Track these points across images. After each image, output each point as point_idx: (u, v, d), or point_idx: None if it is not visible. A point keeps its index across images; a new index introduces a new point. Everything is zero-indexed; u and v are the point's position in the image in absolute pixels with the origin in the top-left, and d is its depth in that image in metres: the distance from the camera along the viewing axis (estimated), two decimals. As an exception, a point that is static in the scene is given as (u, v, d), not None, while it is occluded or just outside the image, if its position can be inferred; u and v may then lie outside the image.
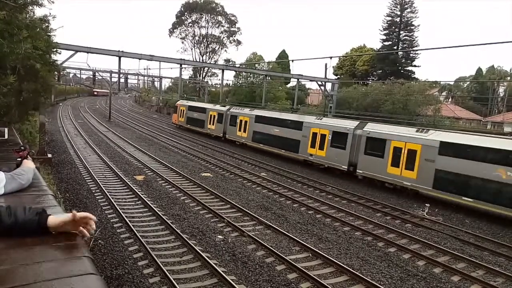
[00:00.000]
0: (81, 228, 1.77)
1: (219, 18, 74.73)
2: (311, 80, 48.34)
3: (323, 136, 21.23)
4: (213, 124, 33.19)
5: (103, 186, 14.19)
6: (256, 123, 26.86)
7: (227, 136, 30.57)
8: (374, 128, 18.87)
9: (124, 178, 15.70)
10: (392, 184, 17.56)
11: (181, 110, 40.26)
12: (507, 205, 13.46)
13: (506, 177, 13.43)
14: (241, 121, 28.46)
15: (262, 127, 26.29)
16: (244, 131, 27.67)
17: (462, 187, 14.76)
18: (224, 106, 33.96)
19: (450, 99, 61.64)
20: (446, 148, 15.39)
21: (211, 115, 33.38)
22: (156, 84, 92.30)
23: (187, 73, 75.19)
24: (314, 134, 21.77)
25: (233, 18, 75.04)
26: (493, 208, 14.08)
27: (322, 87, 45.93)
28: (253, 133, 27.10)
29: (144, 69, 77.43)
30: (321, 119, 23.13)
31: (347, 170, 19.70)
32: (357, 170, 19.05)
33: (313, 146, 21.85)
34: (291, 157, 23.75)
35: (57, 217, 1.75)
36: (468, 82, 67.53)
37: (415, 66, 62.16)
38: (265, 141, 25.94)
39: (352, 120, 22.04)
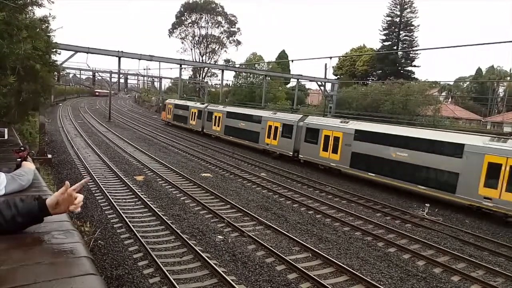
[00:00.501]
0: (71, 207, 1.76)
1: (219, 18, 74.80)
2: (311, 80, 48.40)
3: (276, 128, 24.95)
4: (194, 120, 37.00)
5: (103, 187, 14.20)
6: (227, 118, 30.83)
7: (205, 130, 34.43)
8: (312, 121, 22.78)
9: (124, 179, 15.70)
10: (323, 166, 21.16)
11: (168, 108, 43.64)
12: (397, 178, 17.09)
13: (396, 156, 17.16)
14: (215, 116, 32.50)
15: (232, 121, 30.19)
16: (218, 125, 31.60)
17: (368, 165, 18.39)
18: (203, 103, 37.76)
19: (450, 99, 61.66)
20: (359, 135, 19.15)
21: (192, 112, 36.89)
22: (156, 84, 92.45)
23: (187, 73, 75.31)
24: (270, 127, 25.49)
25: (233, 18, 75.11)
26: (387, 180, 17.64)
27: (322, 87, 45.96)
28: (225, 127, 31.07)
29: (144, 69, 77.63)
30: (275, 114, 26.91)
31: (292, 156, 23.40)
32: (299, 155, 22.84)
33: (269, 137, 25.54)
34: (253, 147, 27.33)
35: (51, 197, 1.75)
36: (468, 82, 67.55)
37: (415, 66, 62.25)
38: (234, 134, 29.84)
39: (298, 115, 26.24)
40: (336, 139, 20.11)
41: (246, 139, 27.83)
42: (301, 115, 24.72)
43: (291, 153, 23.33)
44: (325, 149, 20.79)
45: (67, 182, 1.74)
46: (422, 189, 16.10)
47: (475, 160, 14.31)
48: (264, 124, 25.96)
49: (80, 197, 1.78)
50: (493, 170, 13.97)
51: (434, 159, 15.73)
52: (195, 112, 36.77)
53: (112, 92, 57.49)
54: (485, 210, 14.35)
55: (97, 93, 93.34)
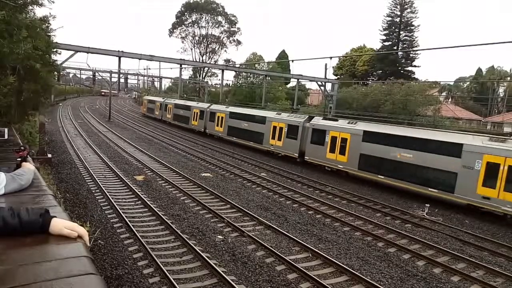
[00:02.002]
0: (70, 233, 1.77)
1: (219, 18, 74.83)
2: (311, 80, 48.45)
3: (281, 129, 24.71)
4: (196, 120, 39.22)
5: (103, 186, 14.19)
6: (230, 118, 31.16)
7: (207, 131, 35.81)
8: (318, 121, 22.53)
9: (124, 178, 15.69)
10: (330, 168, 21.22)
11: (144, 103, 57.61)
12: (404, 179, 16.96)
13: (400, 157, 17.15)
14: (218, 117, 33.54)
15: (235, 122, 30.42)
16: (221, 126, 32.75)
17: (378, 167, 18.26)
18: (205, 103, 40.56)
19: (450, 99, 61.65)
20: (368, 136, 18.98)
21: (194, 112, 39.37)
22: (156, 84, 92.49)
23: (187, 73, 75.31)
24: (274, 127, 25.30)
25: (233, 18, 75.14)
26: (395, 182, 17.48)
27: (322, 87, 45.97)
28: (228, 128, 31.59)
29: (144, 69, 77.58)
30: (280, 114, 26.78)
31: (298, 157, 23.18)
32: (305, 157, 22.62)
33: (273, 138, 25.35)
34: (258, 148, 27.21)
35: (59, 222, 1.75)
36: (468, 82, 67.54)
37: (415, 66, 62.32)
38: (237, 135, 30.00)
39: (304, 115, 25.62)
40: (344, 140, 19.92)
41: (249, 140, 27.62)
42: (307, 116, 24.22)
43: (297, 155, 23.07)
44: (332, 150, 20.60)
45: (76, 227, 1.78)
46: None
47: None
48: (268, 125, 25.71)
49: (84, 233, 1.79)
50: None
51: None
52: (197, 113, 37.15)
53: (114, 92, 57.63)
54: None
55: (103, 93, 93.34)
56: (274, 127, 25.07)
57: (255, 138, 27.02)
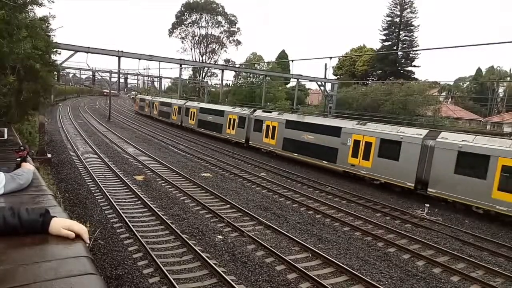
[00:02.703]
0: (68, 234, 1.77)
1: (219, 18, 74.84)
2: (310, 80, 48.43)
3: (234, 120, 29.31)
4: (232, 129, 39.38)
5: (103, 186, 14.19)
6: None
7: (251, 142, 35.53)
8: (258, 114, 27.42)
9: (123, 178, 15.69)
10: (266, 150, 25.80)
11: (136, 101, 63.17)
12: (310, 156, 21.85)
13: (308, 139, 22.08)
14: (268, 126, 29.77)
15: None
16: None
17: (294, 147, 23.12)
18: (151, 97, 47.72)
19: (449, 99, 61.69)
20: (288, 124, 24.03)
21: (146, 103, 48.58)
22: (156, 84, 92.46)
23: (186, 73, 75.28)
24: (230, 119, 29.86)
25: (233, 18, 75.16)
26: (303, 158, 22.43)
27: (322, 87, 45.99)
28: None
29: (144, 69, 77.66)
30: (234, 108, 31.04)
31: (245, 143, 27.85)
32: (249, 142, 27.36)
33: (229, 127, 29.97)
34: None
35: (59, 222, 1.75)
36: (467, 82, 67.59)
37: (414, 66, 62.28)
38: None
39: (249, 109, 29.93)
40: (274, 127, 25.14)
41: (213, 130, 31.18)
42: (252, 109, 29.21)
43: (244, 141, 28.10)
44: (266, 136, 25.76)
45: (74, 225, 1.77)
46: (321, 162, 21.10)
47: (348, 138, 19.59)
48: (226, 117, 30.55)
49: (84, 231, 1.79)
50: (229, 121, 29.60)
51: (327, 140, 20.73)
52: (176, 108, 40.63)
53: (115, 92, 57.86)
54: (228, 139, 30.11)
55: (105, 93, 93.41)
56: (230, 119, 30.00)
57: (217, 128, 31.77)
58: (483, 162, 14.25)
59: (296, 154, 23.22)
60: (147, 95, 64.23)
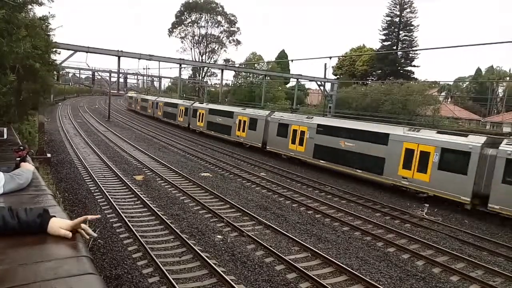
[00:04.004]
0: (78, 230, 1.79)
1: (219, 18, 74.88)
2: (310, 80, 48.44)
3: (250, 122, 27.53)
4: (133, 104, 57.37)
5: (102, 186, 14.18)
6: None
7: (135, 109, 47.66)
8: (281, 116, 25.36)
9: (123, 178, 15.69)
10: (287, 155, 23.98)
11: (127, 99, 70.59)
12: (348, 165, 19.54)
13: (345, 146, 19.73)
14: (294, 130, 27.56)
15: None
16: (302, 144, 28.18)
17: (328, 155, 20.87)
18: (136, 94, 55.56)
19: (449, 99, 61.72)
20: (321, 128, 21.86)
21: (133, 100, 56.52)
22: (156, 84, 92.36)
23: (186, 73, 75.31)
24: (244, 121, 28.17)
25: (232, 18, 75.19)
26: (339, 167, 20.17)
27: (322, 87, 46.00)
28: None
29: (144, 68, 77.59)
30: (245, 109, 29.75)
31: (261, 147, 26.06)
32: (267, 147, 25.58)
33: (243, 130, 28.19)
34: (226, 139, 30.30)
35: (58, 222, 1.76)
36: (467, 82, 67.62)
37: (414, 66, 62.34)
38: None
39: (266, 111, 29.73)
40: (302, 132, 22.85)
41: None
42: (269, 111, 28.24)
43: (260, 145, 26.36)
44: (293, 141, 23.56)
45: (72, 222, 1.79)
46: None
47: (397, 146, 17.28)
48: (235, 118, 29.11)
49: (88, 230, 1.81)
50: (239, 123, 28.08)
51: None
52: (150, 103, 48.70)
53: (114, 91, 58.11)
54: (239, 142, 28.05)
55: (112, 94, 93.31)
56: (244, 121, 28.51)
57: (230, 131, 29.83)
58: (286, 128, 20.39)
59: (330, 163, 20.32)
60: (147, 94, 64.47)
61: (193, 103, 39.63)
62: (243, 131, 28.11)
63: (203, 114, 34.64)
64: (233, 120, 29.15)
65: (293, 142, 23.02)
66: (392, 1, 61.14)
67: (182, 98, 47.65)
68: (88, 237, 1.83)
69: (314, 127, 21.66)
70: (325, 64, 60.79)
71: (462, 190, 14.66)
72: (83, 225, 1.81)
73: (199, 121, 35.36)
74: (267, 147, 25.27)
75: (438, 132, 16.80)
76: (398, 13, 61.18)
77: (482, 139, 14.99)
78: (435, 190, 15.63)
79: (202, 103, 39.14)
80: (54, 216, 1.77)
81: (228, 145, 29.00)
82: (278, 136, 24.28)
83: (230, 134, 29.62)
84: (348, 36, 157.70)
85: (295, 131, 23.03)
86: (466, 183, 14.56)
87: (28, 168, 2.86)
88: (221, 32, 75.91)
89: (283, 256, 9.09)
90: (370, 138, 18.55)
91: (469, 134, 15.85)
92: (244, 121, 28.00)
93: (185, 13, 74.83)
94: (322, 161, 21.17)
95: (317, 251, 9.70)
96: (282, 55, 71.54)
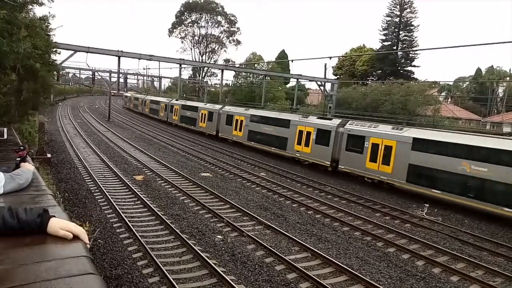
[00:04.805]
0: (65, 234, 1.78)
1: (219, 18, 74.89)
2: (310, 80, 48.46)
3: (204, 115, 34.02)
4: (127, 102, 62.27)
5: (103, 186, 14.18)
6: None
7: (129, 107, 51.41)
8: (226, 109, 31.33)
9: (123, 178, 15.69)
10: (231, 140, 29.51)
11: (123, 98, 73.86)
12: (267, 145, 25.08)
13: (265, 130, 25.95)
14: (130, 99, 50.27)
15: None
16: (132, 103, 47.85)
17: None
18: (131, 94, 60.01)
19: (449, 99, 61.73)
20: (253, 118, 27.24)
21: (128, 98, 62.04)
22: (156, 84, 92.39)
23: (186, 73, 75.34)
24: (202, 114, 34.37)
25: (232, 18, 75.19)
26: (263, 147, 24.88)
27: (322, 87, 46.01)
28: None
29: (144, 69, 77.65)
30: (205, 105, 36.44)
31: (215, 135, 31.87)
32: (219, 134, 31.39)
33: (202, 121, 34.37)
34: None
35: (57, 222, 1.76)
36: (467, 82, 67.62)
37: (414, 66, 62.26)
38: (135, 107, 43.74)
39: (219, 105, 34.46)
40: (240, 121, 28.36)
41: (190, 124, 36.82)
42: (221, 106, 33.26)
43: (214, 133, 32.10)
44: (235, 128, 29.11)
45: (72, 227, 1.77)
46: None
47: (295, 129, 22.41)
48: (199, 112, 35.69)
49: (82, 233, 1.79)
50: (202, 116, 34.44)
51: None
52: (130, 98, 55.97)
53: (114, 91, 58.40)
54: (201, 131, 34.45)
55: (113, 94, 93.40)
56: (202, 114, 34.46)
57: (282, 144, 24.38)
58: (230, 118, 29.30)
59: (258, 144, 25.32)
60: (147, 95, 64.76)
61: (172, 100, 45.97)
62: (130, 103, 50.44)
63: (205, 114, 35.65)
64: (127, 99, 39.99)
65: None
66: (392, 1, 61.14)
67: (165, 97, 55.82)
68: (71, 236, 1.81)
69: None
70: (325, 64, 60.88)
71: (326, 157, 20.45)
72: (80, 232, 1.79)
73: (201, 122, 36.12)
74: (341, 166, 20.08)
75: (318, 118, 23.12)
76: (398, 13, 61.16)
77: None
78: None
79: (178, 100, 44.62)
80: (54, 216, 1.77)
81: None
82: (143, 105, 39.99)
83: (126, 105, 42.26)
84: (348, 36, 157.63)
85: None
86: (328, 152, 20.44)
87: (28, 168, 2.86)
88: (221, 32, 75.97)
89: (283, 256, 9.09)
90: (279, 123, 24.05)
91: (333, 118, 22.83)
92: (241, 121, 29.66)
93: (185, 13, 74.84)
94: (253, 143, 26.84)
95: (317, 251, 9.70)
96: (282, 55, 71.52)
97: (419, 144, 16.56)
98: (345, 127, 20.19)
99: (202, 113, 34.69)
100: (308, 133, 21.99)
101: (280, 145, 24.12)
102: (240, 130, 28.44)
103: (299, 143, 22.59)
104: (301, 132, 22.48)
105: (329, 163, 20.71)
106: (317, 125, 21.80)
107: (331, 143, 20.58)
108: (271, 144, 25.01)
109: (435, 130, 19.33)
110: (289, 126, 23.33)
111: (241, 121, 28.48)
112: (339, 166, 20.05)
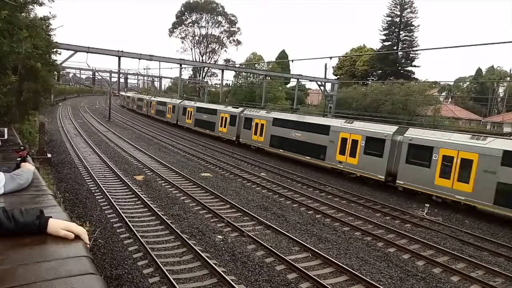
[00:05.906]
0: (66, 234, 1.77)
1: (219, 18, 74.93)
2: (310, 80, 48.47)
3: (225, 119, 30.78)
4: (123, 101, 64.31)
5: (103, 186, 14.18)
6: (197, 113, 34.04)
7: (178, 122, 41.26)
8: (248, 112, 28.41)
9: (123, 178, 15.69)
10: (254, 146, 27.11)
11: (121, 98, 76.29)
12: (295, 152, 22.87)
13: (295, 136, 22.60)
14: (126, 98, 52.69)
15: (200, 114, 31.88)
16: (126, 102, 44.37)
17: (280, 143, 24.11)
18: (131, 93, 62.16)
19: (449, 99, 61.70)
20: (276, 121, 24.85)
21: (124, 97, 65.14)
22: (156, 84, 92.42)
23: (187, 73, 75.41)
24: (222, 118, 31.22)
25: (233, 18, 75.24)
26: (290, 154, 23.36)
27: (322, 87, 46.01)
28: (194, 121, 34.47)
29: (144, 69, 77.68)
30: (226, 107, 33.11)
31: (236, 140, 29.15)
32: (240, 139, 28.77)
33: (223, 125, 31.21)
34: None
35: (57, 223, 1.75)
36: (468, 82, 67.57)
37: (415, 66, 62.32)
38: (204, 125, 34.80)
39: (240, 108, 31.28)
40: (261, 125, 26.14)
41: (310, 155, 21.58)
42: (242, 108, 30.79)
43: (235, 138, 29.47)
44: (256, 133, 26.64)
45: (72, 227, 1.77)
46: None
47: (337, 136, 19.78)
48: (218, 115, 32.24)
49: (83, 232, 1.79)
50: (222, 120, 31.05)
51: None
52: (131, 98, 62.34)
53: (116, 91, 58.84)
54: (219, 136, 31.32)
55: (116, 94, 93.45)
56: (222, 118, 31.39)
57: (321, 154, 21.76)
58: (250, 121, 27.51)
59: (284, 151, 23.66)
60: (147, 95, 64.88)
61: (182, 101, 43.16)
62: (132, 103, 55.72)
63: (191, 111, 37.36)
64: (126, 99, 41.83)
65: (148, 106, 30.45)
66: (392, 1, 61.15)
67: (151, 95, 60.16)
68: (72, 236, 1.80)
69: (271, 120, 24.67)
70: (326, 64, 60.83)
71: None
72: (81, 231, 1.79)
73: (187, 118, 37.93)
74: (399, 181, 17.39)
75: (367, 124, 20.32)
76: (398, 13, 61.16)
77: (241, 109, 24.76)
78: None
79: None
80: (51, 217, 1.76)
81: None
82: (139, 104, 42.74)
83: (122, 102, 44.63)
84: (348, 36, 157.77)
85: (257, 124, 26.54)
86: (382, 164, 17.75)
87: (28, 168, 2.86)
88: (221, 32, 76.04)
89: (283, 256, 9.08)
90: (313, 129, 21.30)
91: (387, 125, 20.23)
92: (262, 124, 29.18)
93: (186, 13, 74.91)
94: (281, 151, 24.18)
95: (318, 251, 9.70)
96: (282, 55, 71.55)
97: (276, 122, 19.58)
98: (404, 135, 17.23)
99: (222, 117, 30.72)
100: (354, 142, 19.06)
101: (315, 154, 21.32)
102: (260, 135, 25.86)
103: (342, 152, 19.69)
104: (344, 140, 19.56)
105: (383, 177, 17.71)
106: (366, 132, 18.70)
107: (385, 153, 17.61)
108: (302, 152, 22.35)
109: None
110: (328, 133, 20.56)
111: (262, 124, 25.89)
112: (397, 181, 17.16)
